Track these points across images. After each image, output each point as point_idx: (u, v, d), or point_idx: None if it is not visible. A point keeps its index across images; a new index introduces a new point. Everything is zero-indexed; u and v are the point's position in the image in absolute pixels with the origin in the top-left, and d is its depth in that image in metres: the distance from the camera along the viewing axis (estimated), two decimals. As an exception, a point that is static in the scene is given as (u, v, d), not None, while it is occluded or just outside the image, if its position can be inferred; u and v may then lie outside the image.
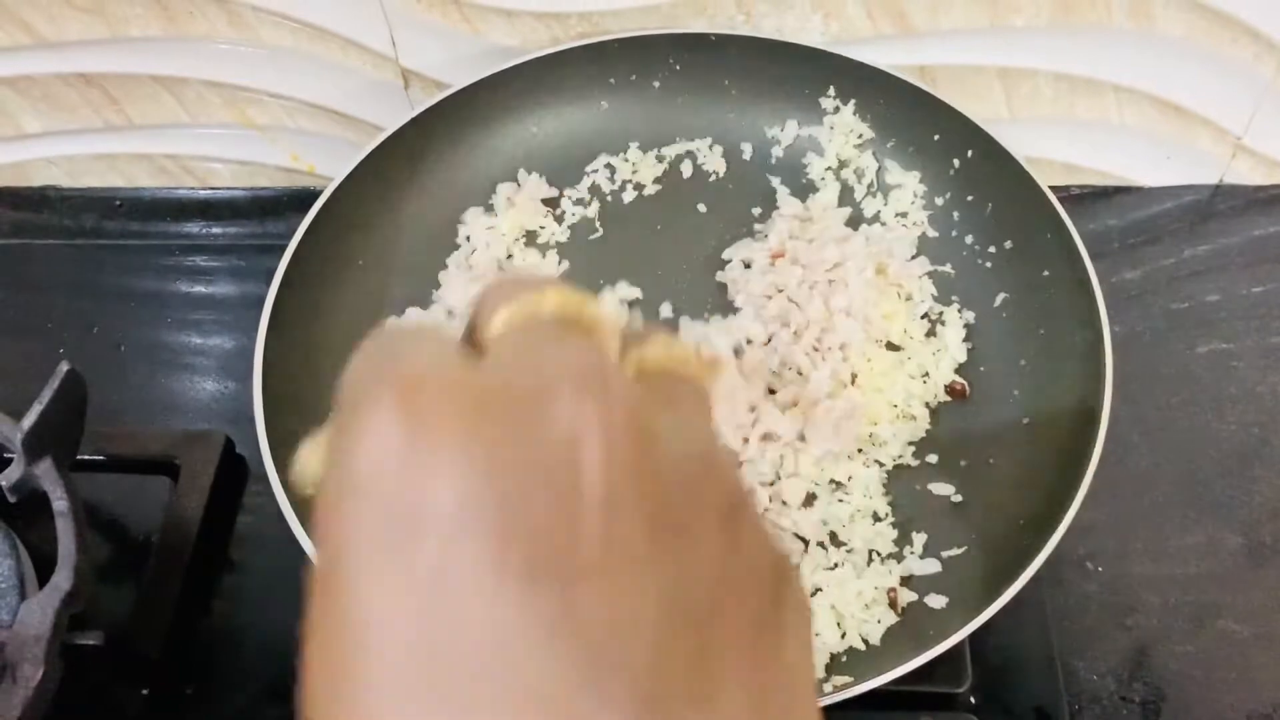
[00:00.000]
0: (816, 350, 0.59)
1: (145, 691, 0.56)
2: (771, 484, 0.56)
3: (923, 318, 0.61)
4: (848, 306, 0.60)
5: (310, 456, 0.23)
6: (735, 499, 0.23)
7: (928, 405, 0.59)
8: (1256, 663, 0.56)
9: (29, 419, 0.54)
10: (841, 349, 0.59)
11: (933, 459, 0.58)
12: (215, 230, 0.77)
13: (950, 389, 0.59)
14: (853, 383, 0.58)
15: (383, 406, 0.20)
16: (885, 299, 0.61)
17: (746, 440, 0.57)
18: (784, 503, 0.55)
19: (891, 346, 0.60)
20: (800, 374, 0.58)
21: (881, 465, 0.57)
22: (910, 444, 0.58)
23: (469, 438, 0.20)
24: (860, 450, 0.57)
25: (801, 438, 0.57)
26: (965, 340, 0.61)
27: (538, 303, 0.24)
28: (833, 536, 0.55)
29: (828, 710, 0.46)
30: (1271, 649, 0.56)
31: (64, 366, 0.55)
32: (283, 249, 0.61)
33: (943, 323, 0.61)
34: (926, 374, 0.60)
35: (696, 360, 0.26)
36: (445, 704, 0.19)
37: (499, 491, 0.20)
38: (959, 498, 0.56)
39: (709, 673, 0.21)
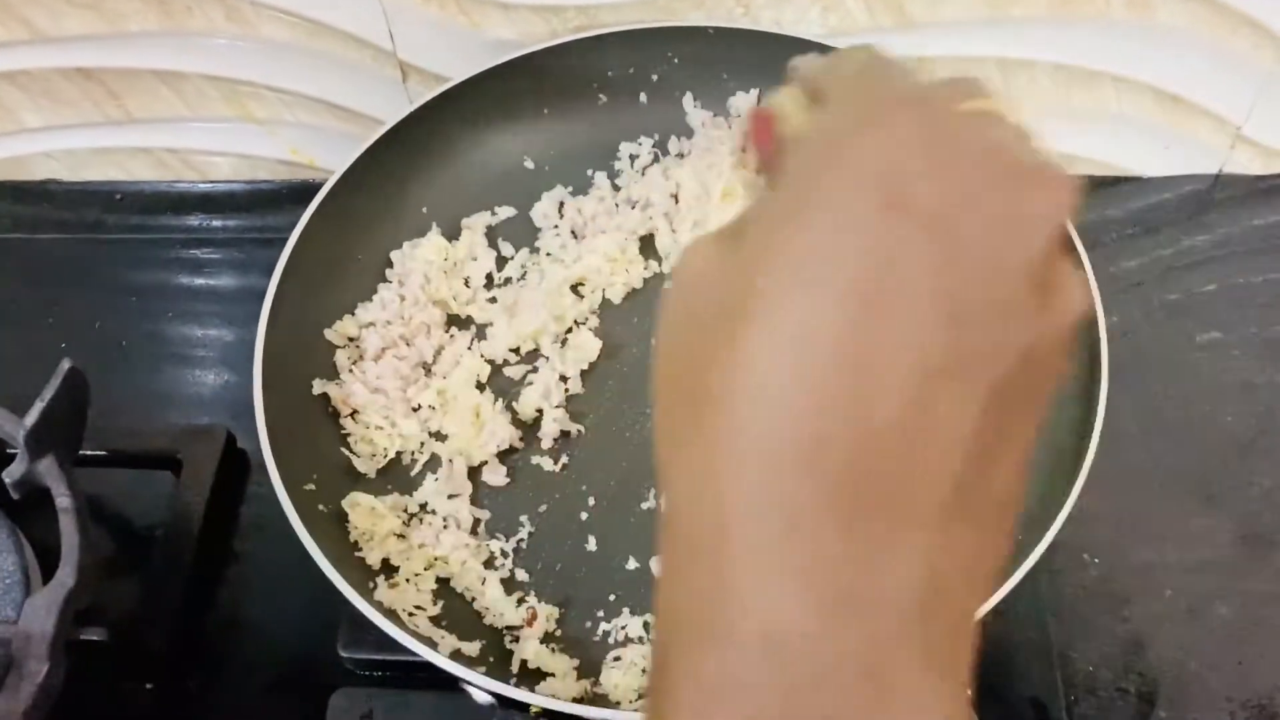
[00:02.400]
0: None
1: (150, 685, 0.57)
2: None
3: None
4: None
5: (784, 102, 0.28)
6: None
7: None
8: (1251, 652, 0.56)
9: (31, 417, 0.54)
10: None
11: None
12: (215, 223, 0.77)
13: None
14: None
15: (909, 121, 0.24)
16: None
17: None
18: None
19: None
20: None
21: None
22: None
23: (966, 177, 0.23)
24: None
25: None
26: None
27: (995, 106, 0.27)
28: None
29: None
30: (1265, 639, 0.56)
31: (66, 364, 0.56)
32: (283, 242, 0.61)
33: None
34: None
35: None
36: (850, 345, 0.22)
37: (953, 204, 0.23)
38: (956, 491, 0.56)
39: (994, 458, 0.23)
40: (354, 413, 0.59)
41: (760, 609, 0.21)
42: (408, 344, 0.61)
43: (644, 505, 0.57)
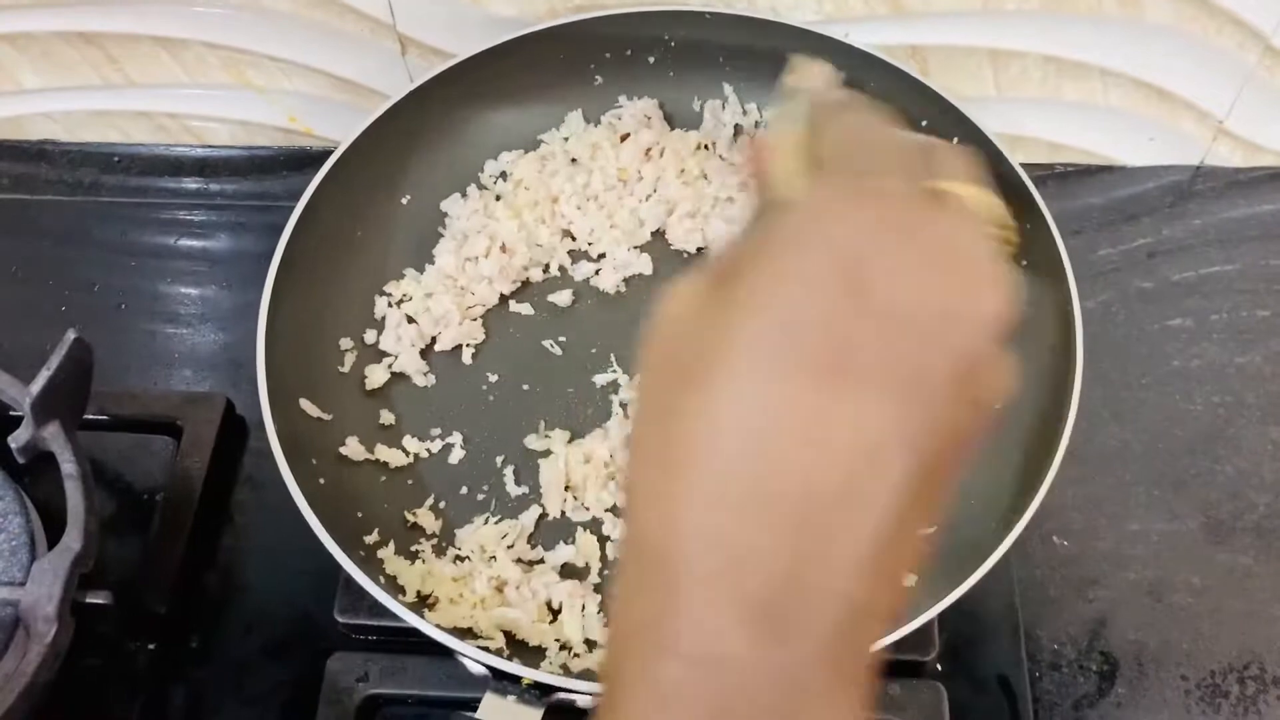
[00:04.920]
0: None
1: (152, 645, 0.59)
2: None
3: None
4: None
5: (784, 141, 0.31)
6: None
7: None
8: (1207, 635, 0.59)
9: (37, 384, 0.55)
10: None
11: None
12: (213, 188, 0.78)
13: None
14: None
15: (887, 209, 0.26)
16: None
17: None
18: None
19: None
20: None
21: None
22: None
23: (926, 270, 0.25)
24: None
25: None
26: None
27: (979, 196, 0.29)
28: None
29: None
30: (1220, 622, 0.59)
31: (71, 334, 0.57)
32: (280, 207, 0.62)
33: None
34: None
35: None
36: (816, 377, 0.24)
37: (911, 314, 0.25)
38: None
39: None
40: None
41: (702, 631, 0.24)
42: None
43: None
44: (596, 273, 0.65)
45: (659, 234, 0.67)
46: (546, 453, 0.60)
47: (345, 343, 0.63)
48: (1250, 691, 0.57)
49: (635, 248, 0.66)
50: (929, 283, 0.25)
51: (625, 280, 0.65)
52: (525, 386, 0.62)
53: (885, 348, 0.24)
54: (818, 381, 0.24)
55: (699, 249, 0.66)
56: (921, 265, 0.25)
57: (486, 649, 0.51)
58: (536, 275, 0.65)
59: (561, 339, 0.64)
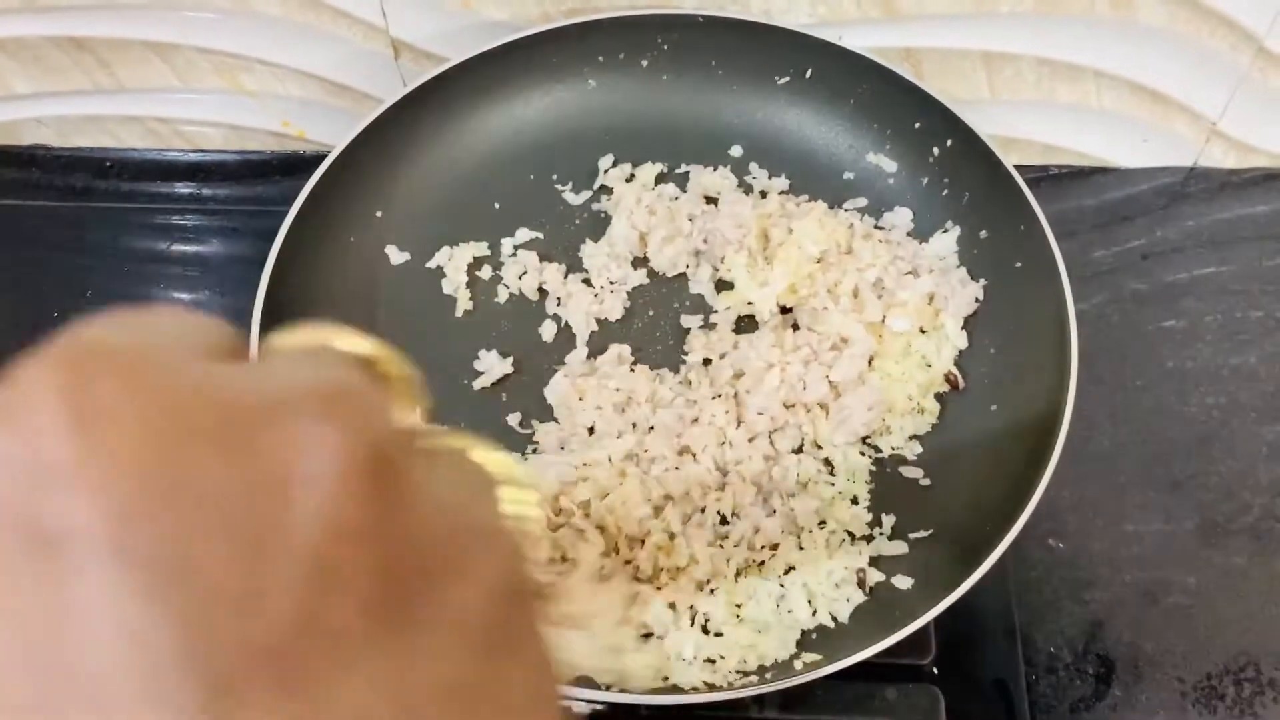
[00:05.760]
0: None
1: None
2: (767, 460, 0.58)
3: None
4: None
5: None
6: (505, 588, 0.18)
7: (936, 398, 0.60)
8: (1203, 637, 0.59)
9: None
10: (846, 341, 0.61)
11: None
12: (205, 192, 0.77)
13: (946, 378, 0.61)
14: (869, 366, 0.60)
15: (53, 391, 0.16)
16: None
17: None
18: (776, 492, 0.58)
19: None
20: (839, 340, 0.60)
21: (879, 452, 0.59)
22: (914, 437, 0.59)
23: (148, 447, 0.15)
24: (865, 439, 0.59)
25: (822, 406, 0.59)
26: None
27: (332, 337, 0.20)
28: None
29: (798, 686, 0.49)
30: (1216, 624, 0.59)
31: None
32: (273, 212, 0.62)
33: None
34: (929, 364, 0.61)
35: (500, 465, 0.21)
36: None
37: (172, 523, 0.15)
38: (927, 481, 0.58)
39: None
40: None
41: None
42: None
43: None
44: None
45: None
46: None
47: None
48: (1246, 693, 0.57)
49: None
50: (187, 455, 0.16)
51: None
52: (524, 379, 0.62)
53: None
54: None
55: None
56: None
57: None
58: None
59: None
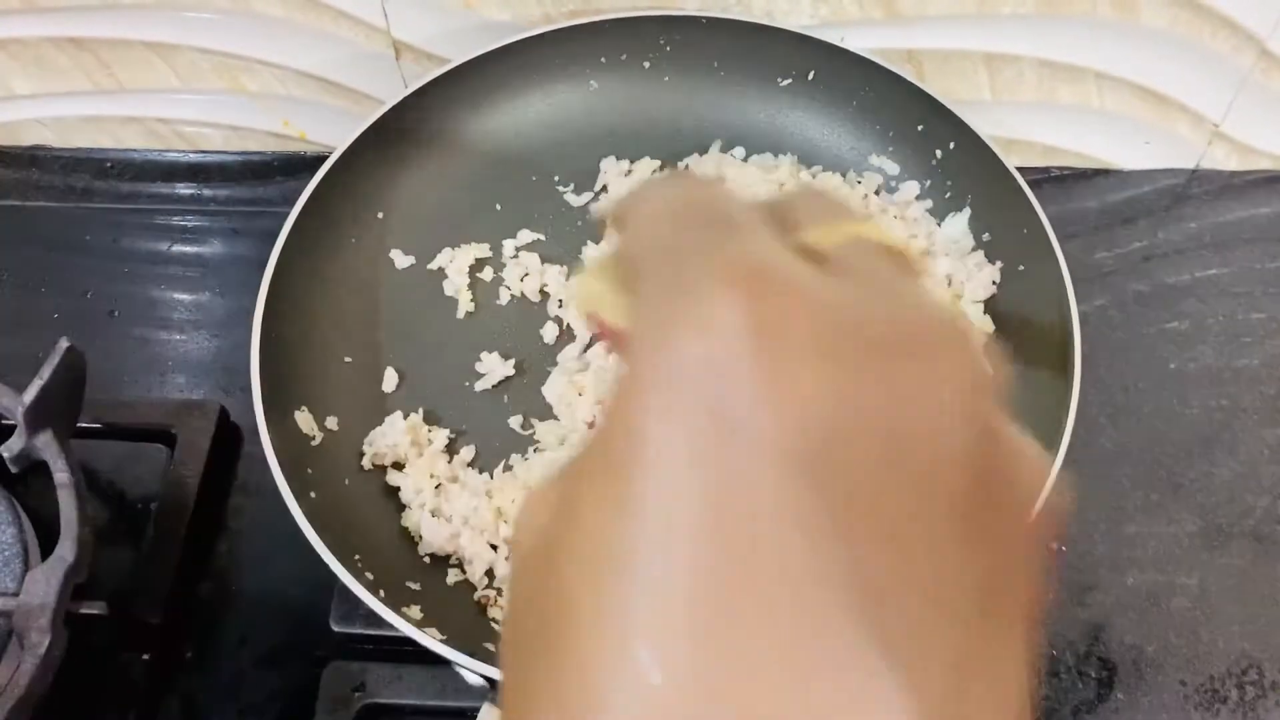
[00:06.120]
0: None
1: (146, 656, 0.58)
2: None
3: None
4: None
5: (593, 284, 0.24)
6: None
7: None
8: (1204, 639, 0.59)
9: (30, 393, 0.55)
10: None
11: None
12: (206, 193, 0.77)
13: None
14: None
15: (734, 304, 0.18)
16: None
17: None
18: None
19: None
20: None
21: None
22: None
23: (826, 367, 0.18)
24: None
25: None
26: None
27: (866, 230, 0.22)
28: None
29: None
30: (1218, 627, 0.59)
31: (64, 343, 0.56)
32: (274, 213, 0.62)
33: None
34: None
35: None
36: (713, 631, 0.17)
37: (840, 434, 0.18)
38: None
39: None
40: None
41: None
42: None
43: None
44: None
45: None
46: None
47: (341, 350, 0.62)
48: (1249, 696, 0.57)
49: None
50: (842, 374, 0.18)
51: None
52: (526, 380, 0.62)
53: (804, 500, 0.18)
54: (717, 589, 0.18)
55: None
56: (824, 350, 0.18)
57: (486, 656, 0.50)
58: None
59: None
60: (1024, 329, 0.60)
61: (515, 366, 0.62)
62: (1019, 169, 0.61)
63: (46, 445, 0.56)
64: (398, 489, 0.58)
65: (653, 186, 0.24)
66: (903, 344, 0.19)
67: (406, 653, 0.55)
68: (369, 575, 0.53)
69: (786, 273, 0.19)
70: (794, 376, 0.18)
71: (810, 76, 0.67)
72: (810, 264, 0.20)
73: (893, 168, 0.66)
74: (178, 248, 0.75)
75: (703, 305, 0.19)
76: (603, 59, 0.68)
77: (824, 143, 0.68)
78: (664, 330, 0.19)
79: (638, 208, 0.23)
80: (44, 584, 0.52)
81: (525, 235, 0.66)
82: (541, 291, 0.65)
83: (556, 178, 0.68)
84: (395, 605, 0.51)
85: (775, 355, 0.18)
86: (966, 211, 0.64)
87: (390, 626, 0.50)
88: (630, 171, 0.68)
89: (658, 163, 0.68)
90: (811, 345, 0.18)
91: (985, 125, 0.62)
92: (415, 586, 0.55)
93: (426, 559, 0.57)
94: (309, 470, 0.56)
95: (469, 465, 0.59)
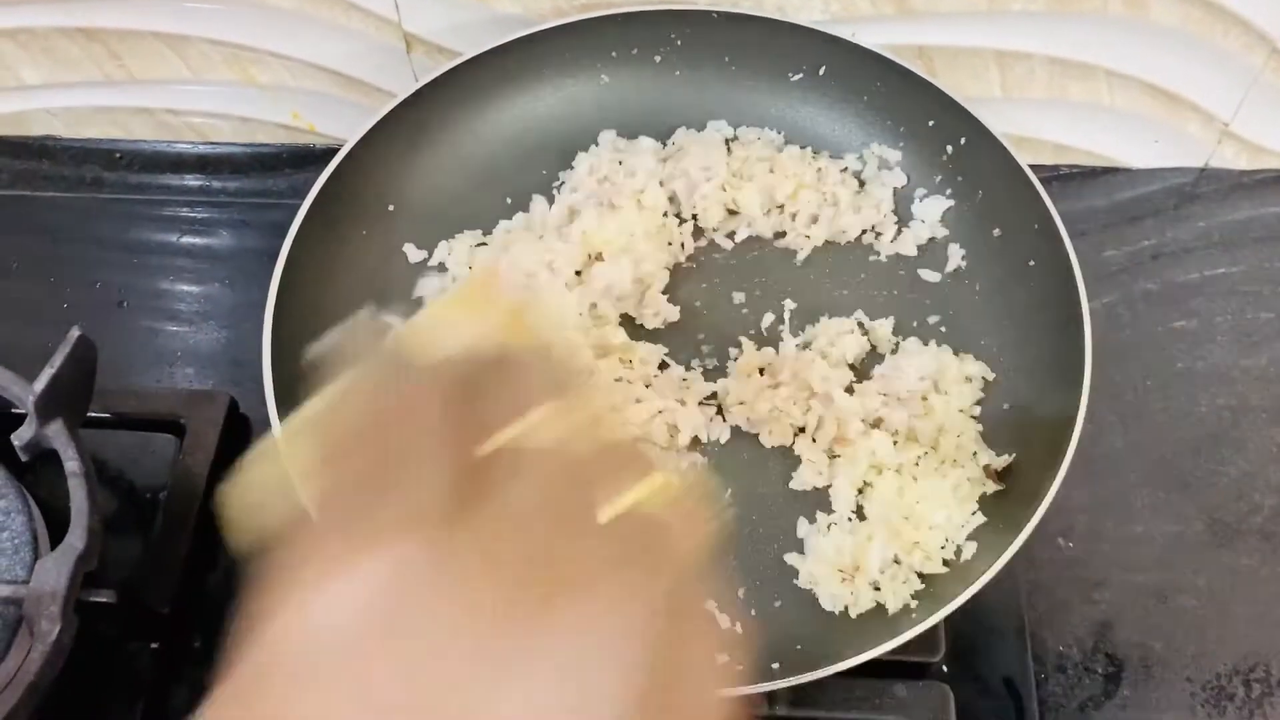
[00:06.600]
0: None
1: (155, 645, 0.58)
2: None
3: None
4: None
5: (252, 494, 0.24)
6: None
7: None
8: (1211, 637, 0.59)
9: (40, 382, 0.55)
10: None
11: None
12: (215, 184, 0.77)
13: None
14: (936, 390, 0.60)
15: (374, 587, 0.22)
16: None
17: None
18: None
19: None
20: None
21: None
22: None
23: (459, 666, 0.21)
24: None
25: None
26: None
27: (655, 490, 0.24)
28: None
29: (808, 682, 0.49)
30: (1225, 624, 0.59)
31: (75, 332, 0.56)
32: (282, 205, 0.62)
33: None
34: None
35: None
36: None
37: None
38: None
39: None
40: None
41: None
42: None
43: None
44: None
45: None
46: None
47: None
48: (1256, 694, 0.57)
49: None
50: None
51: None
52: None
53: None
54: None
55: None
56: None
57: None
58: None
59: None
60: (1034, 326, 0.60)
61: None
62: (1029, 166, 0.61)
63: (57, 434, 0.56)
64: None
65: (349, 394, 0.26)
66: (558, 591, 0.21)
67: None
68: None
69: (433, 554, 0.21)
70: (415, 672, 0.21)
71: (821, 72, 0.67)
72: (475, 502, 0.22)
73: (896, 156, 0.67)
74: (187, 239, 0.75)
75: (349, 584, 0.21)
76: (614, 53, 0.68)
77: (834, 138, 0.68)
78: (308, 592, 0.21)
79: (333, 423, 0.25)
80: (54, 572, 0.52)
81: (535, 228, 0.66)
82: (550, 285, 0.65)
83: (567, 172, 0.68)
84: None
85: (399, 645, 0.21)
86: (950, 202, 0.64)
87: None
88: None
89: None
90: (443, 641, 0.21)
91: (995, 122, 0.62)
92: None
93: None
94: (319, 460, 0.56)
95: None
